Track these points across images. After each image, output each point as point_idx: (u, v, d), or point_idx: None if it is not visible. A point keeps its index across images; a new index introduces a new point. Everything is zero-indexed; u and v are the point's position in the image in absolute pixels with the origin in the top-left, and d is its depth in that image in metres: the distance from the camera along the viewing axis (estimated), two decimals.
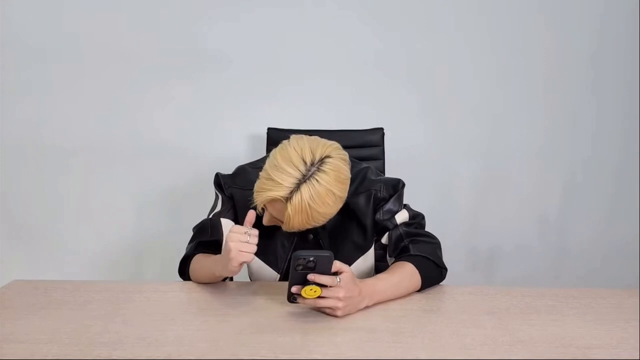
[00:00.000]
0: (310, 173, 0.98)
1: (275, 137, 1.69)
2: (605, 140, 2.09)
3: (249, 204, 1.06)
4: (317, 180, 0.97)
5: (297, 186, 0.97)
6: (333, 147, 1.04)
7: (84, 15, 1.92)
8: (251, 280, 1.28)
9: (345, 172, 1.03)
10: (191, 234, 1.24)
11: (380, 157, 1.71)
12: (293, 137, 1.05)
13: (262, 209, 1.06)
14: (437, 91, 2.03)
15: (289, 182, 0.97)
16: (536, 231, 2.16)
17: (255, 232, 0.98)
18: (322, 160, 0.99)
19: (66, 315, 0.98)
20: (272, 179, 0.98)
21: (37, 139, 2.00)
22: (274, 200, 0.99)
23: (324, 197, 0.98)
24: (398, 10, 1.96)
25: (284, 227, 1.04)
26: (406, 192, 1.22)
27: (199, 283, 1.16)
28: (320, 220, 1.02)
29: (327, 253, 0.92)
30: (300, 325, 0.95)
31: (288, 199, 0.97)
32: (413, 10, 1.96)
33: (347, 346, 0.87)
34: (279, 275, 1.21)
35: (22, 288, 1.12)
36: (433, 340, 0.90)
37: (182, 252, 1.20)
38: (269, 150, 1.65)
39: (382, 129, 1.70)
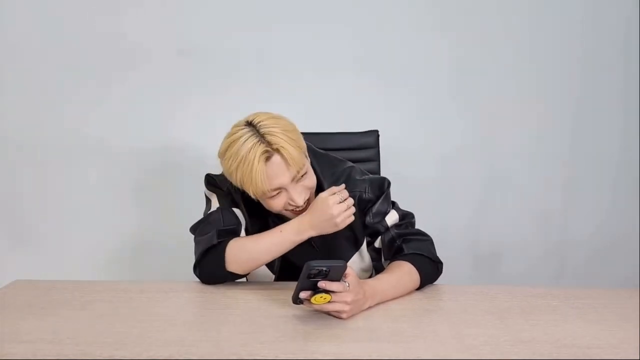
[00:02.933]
0: (255, 128, 1.07)
1: None
2: (606, 137, 2.09)
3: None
4: (262, 123, 1.09)
5: (259, 135, 1.05)
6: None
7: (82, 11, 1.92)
8: (247, 280, 1.28)
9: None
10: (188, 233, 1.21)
11: (376, 159, 1.72)
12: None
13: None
14: (433, 92, 2.02)
15: (251, 141, 1.05)
16: (538, 231, 2.16)
17: (346, 193, 1.07)
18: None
19: (67, 315, 0.98)
20: (236, 157, 1.05)
21: (37, 139, 2.00)
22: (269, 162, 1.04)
23: (278, 118, 1.11)
24: (394, 10, 1.96)
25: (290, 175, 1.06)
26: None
27: (235, 272, 1.11)
28: (301, 142, 1.11)
29: (340, 263, 0.92)
30: (301, 325, 0.95)
31: (263, 144, 1.03)
32: (409, 10, 1.96)
33: (348, 346, 0.87)
34: (273, 276, 1.21)
35: (23, 288, 1.13)
36: (434, 340, 0.90)
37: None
38: None
39: (376, 131, 1.71)
